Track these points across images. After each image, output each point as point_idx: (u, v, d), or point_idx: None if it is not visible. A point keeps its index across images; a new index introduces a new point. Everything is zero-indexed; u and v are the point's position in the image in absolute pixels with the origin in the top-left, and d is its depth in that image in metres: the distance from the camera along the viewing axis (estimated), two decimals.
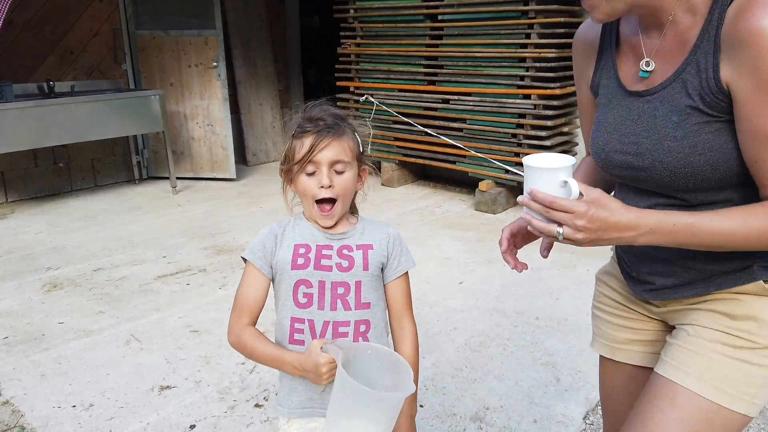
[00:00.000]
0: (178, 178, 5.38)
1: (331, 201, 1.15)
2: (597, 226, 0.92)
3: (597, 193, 0.94)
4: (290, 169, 1.16)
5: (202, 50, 5.42)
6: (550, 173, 0.95)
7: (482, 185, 4.66)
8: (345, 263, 1.16)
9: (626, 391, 1.27)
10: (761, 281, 1.00)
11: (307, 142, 1.12)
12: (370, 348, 1.07)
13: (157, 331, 2.79)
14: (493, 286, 3.24)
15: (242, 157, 6.32)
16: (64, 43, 5.09)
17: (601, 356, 1.31)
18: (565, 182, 0.94)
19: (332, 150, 1.12)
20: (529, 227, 0.98)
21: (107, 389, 2.33)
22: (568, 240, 0.94)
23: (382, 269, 1.21)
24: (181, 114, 5.61)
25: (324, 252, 1.16)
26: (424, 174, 5.71)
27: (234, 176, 5.67)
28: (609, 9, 0.98)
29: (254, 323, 1.19)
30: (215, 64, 5.40)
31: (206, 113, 5.59)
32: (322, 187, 1.12)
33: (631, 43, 1.08)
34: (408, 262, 1.23)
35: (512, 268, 1.21)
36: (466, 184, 5.16)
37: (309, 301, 1.15)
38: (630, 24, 1.08)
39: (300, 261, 1.15)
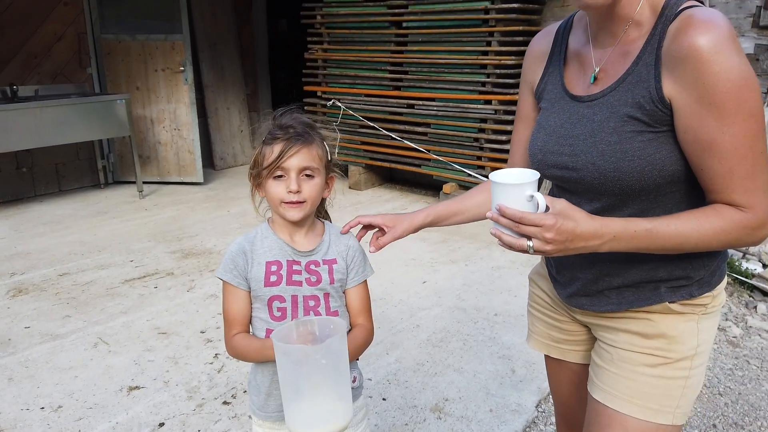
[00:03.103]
0: (144, 183, 5.37)
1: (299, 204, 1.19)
2: (564, 237, 0.95)
3: (562, 204, 0.97)
4: (259, 174, 1.19)
5: (168, 54, 5.43)
6: (516, 188, 0.97)
7: (446, 188, 4.80)
8: (313, 278, 1.22)
9: (571, 384, 1.38)
10: (666, 303, 1.10)
11: (277, 148, 1.15)
12: (332, 323, 1.11)
13: (125, 333, 2.83)
14: (455, 284, 3.36)
15: (210, 161, 6.33)
16: (28, 47, 5.05)
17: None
18: (532, 196, 0.96)
19: (301, 157, 1.15)
20: (498, 243, 1.00)
21: (75, 391, 2.36)
22: (538, 252, 0.97)
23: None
24: (147, 118, 5.60)
25: (294, 267, 1.21)
26: (391, 177, 5.82)
27: (201, 180, 5.68)
28: None
29: (246, 330, 1.24)
30: (182, 68, 5.42)
31: (173, 117, 5.59)
32: (290, 191, 1.15)
33: (580, 54, 1.16)
34: (365, 272, 1.29)
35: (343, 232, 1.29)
36: (431, 186, 5.30)
37: (283, 314, 1.21)
38: (578, 37, 1.19)
39: (273, 278, 1.20)
